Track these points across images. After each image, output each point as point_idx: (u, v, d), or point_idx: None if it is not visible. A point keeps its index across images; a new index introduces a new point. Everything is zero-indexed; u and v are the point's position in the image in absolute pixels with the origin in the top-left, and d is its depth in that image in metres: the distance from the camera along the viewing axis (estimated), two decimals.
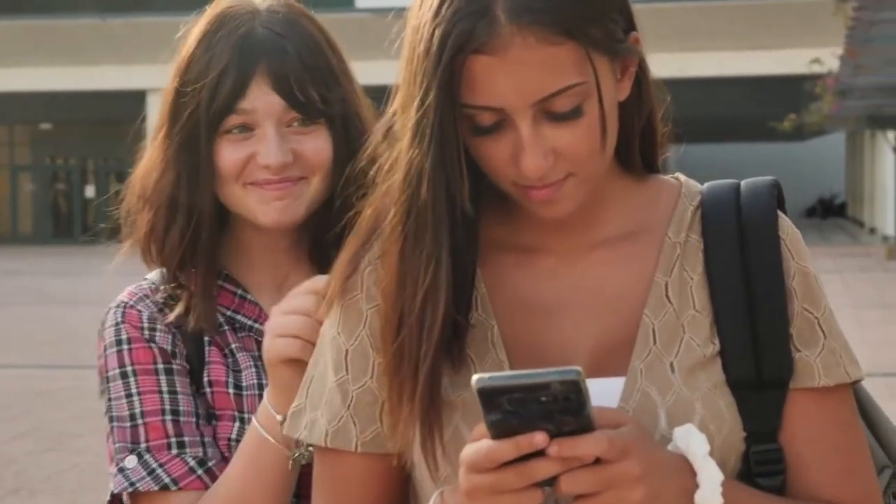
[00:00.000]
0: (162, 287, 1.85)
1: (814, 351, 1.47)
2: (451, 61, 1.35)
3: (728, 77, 28.26)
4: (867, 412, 1.60)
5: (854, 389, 1.53)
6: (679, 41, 27.32)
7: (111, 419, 1.78)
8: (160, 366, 1.79)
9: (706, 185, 1.54)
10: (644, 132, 1.53)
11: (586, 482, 1.29)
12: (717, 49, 27.75)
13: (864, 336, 11.43)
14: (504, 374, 1.31)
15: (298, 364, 1.63)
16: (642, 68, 1.48)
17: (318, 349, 1.53)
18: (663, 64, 1.57)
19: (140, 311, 1.82)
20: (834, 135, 39.56)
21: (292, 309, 1.68)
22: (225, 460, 1.76)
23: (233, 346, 1.83)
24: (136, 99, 27.92)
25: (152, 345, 1.79)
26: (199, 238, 1.81)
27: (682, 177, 1.56)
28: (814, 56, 24.71)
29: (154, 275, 1.88)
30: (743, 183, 1.53)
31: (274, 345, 1.67)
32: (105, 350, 1.81)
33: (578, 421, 1.29)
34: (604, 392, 1.41)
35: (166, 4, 36.54)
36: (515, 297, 1.49)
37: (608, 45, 1.39)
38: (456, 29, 1.34)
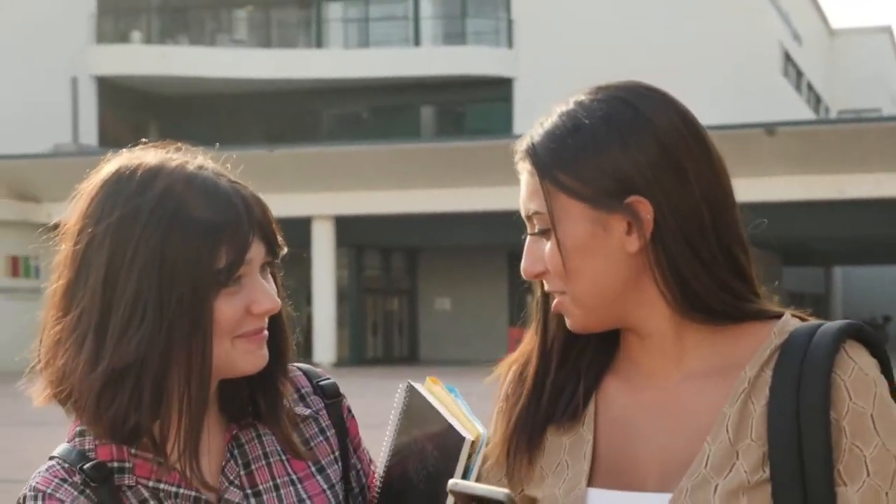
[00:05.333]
0: (79, 466, 1.75)
1: (855, 487, 1.59)
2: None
3: (887, 198, 27.84)
4: None
5: None
6: (836, 163, 27.06)
7: None
8: None
9: (798, 326, 1.69)
10: (712, 279, 1.67)
11: None
12: (875, 171, 27.37)
13: None
14: (467, 483, 1.57)
15: None
16: (681, 228, 1.66)
17: None
18: (820, 186, 1.66)
19: (61, 502, 1.73)
20: None
21: None
22: None
23: None
24: (300, 226, 28.67)
25: None
26: (195, 399, 1.73)
27: (787, 316, 1.71)
28: None
29: (64, 451, 1.78)
30: (824, 325, 1.68)
31: None
32: None
33: None
34: None
35: (330, 135, 37.51)
36: (615, 417, 1.73)
37: (582, 193, 1.65)
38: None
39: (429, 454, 1.77)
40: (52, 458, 1.79)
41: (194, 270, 1.71)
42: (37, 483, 1.75)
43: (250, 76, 37.55)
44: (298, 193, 29.49)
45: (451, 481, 1.55)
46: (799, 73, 45.71)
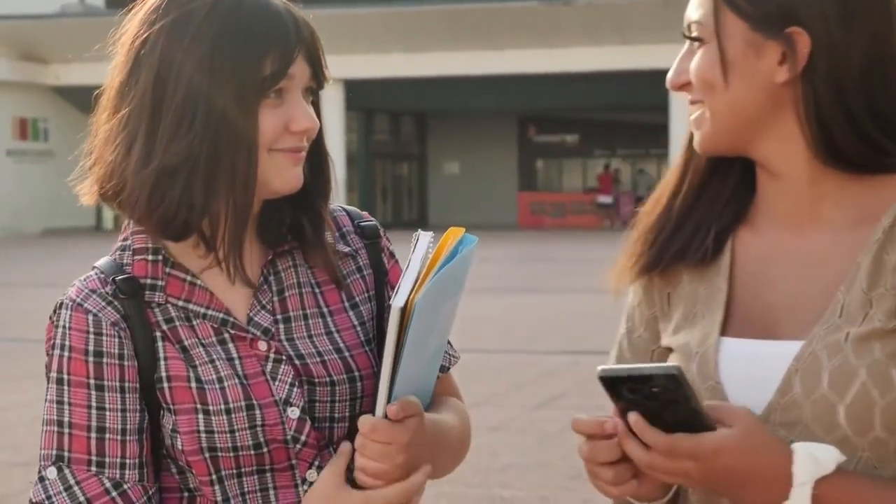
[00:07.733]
0: (112, 277, 1.83)
1: None
2: None
3: None
4: None
5: None
6: None
7: (43, 421, 1.81)
8: (91, 381, 1.79)
9: None
10: (862, 128, 1.65)
11: (652, 465, 1.56)
12: None
13: None
14: (621, 367, 1.53)
15: None
16: (833, 71, 1.64)
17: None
18: None
19: (87, 313, 1.80)
20: None
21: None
22: (142, 481, 1.80)
23: (185, 342, 1.83)
24: None
25: (88, 360, 1.79)
26: (239, 205, 1.79)
27: None
28: None
29: (104, 262, 1.86)
30: None
31: None
32: (52, 347, 1.81)
33: (686, 412, 1.52)
34: (785, 352, 1.65)
35: None
36: (749, 266, 1.74)
37: (745, 10, 1.66)
38: None
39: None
40: (93, 267, 1.86)
41: (241, 75, 1.77)
42: (70, 292, 1.82)
43: None
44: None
45: (599, 367, 1.53)
46: None
